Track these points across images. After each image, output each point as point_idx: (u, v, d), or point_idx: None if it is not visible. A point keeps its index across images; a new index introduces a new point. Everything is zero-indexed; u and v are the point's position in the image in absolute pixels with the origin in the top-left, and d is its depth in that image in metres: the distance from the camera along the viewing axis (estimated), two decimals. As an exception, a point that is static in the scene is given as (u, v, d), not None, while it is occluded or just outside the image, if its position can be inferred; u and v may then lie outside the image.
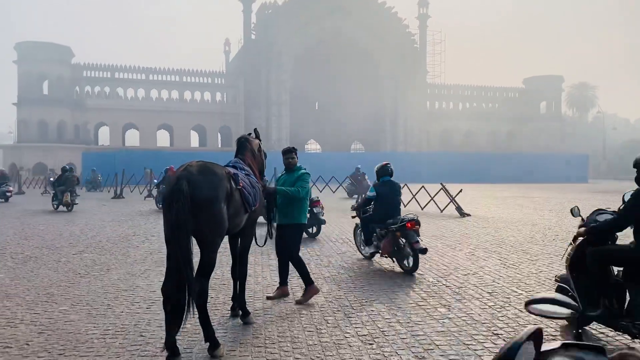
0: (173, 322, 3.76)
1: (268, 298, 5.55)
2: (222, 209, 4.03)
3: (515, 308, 5.16)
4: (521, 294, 5.74)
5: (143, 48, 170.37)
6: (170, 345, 3.74)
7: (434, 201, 16.37)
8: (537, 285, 6.14)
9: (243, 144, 5.07)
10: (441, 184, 16.66)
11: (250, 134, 5.39)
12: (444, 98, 61.16)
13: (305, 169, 5.65)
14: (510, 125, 61.38)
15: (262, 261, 7.79)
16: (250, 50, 51.90)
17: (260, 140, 5.35)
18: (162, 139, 55.60)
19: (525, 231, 11.20)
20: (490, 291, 5.87)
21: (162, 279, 6.64)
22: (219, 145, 54.50)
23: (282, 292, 5.64)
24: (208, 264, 4.03)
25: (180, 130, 51.62)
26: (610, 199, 21.97)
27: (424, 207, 16.44)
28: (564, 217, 14.10)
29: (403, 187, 8.63)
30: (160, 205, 16.27)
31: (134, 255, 8.36)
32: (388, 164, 7.77)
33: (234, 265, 4.97)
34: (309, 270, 5.72)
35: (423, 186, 17.70)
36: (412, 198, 17.01)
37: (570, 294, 4.14)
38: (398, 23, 55.48)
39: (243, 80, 51.68)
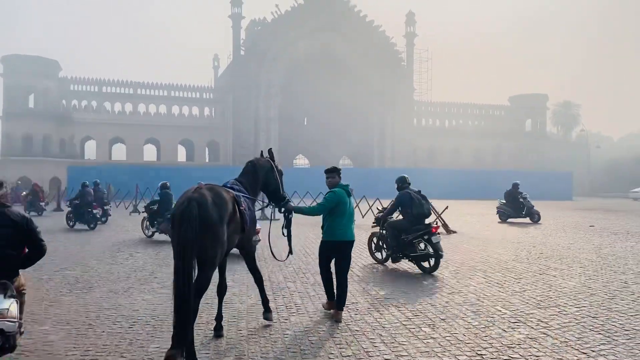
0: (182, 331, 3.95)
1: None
2: (225, 232, 4.35)
3: (500, 328, 5.17)
4: (505, 313, 5.77)
5: (131, 63, 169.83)
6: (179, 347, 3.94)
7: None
8: (521, 304, 6.17)
9: (246, 167, 5.48)
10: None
11: (262, 153, 5.82)
12: (431, 115, 61.70)
13: (337, 190, 5.73)
14: (496, 142, 62.02)
15: (248, 281, 7.74)
16: (239, 65, 52.07)
17: (273, 160, 5.64)
18: (149, 153, 55.30)
19: (510, 249, 11.27)
20: (475, 310, 5.89)
21: (145, 297, 6.60)
22: (207, 160, 54.31)
23: (329, 306, 5.84)
24: (204, 283, 4.24)
25: (167, 145, 51.41)
26: (593, 215, 22.24)
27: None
28: (549, 235, 14.23)
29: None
30: (71, 223, 15.80)
31: (118, 272, 8.27)
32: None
33: (220, 283, 5.01)
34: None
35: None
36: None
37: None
38: (386, 41, 56.10)
39: (232, 95, 51.75)
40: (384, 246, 8.99)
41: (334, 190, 5.72)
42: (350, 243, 5.82)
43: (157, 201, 13.30)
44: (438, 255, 8.06)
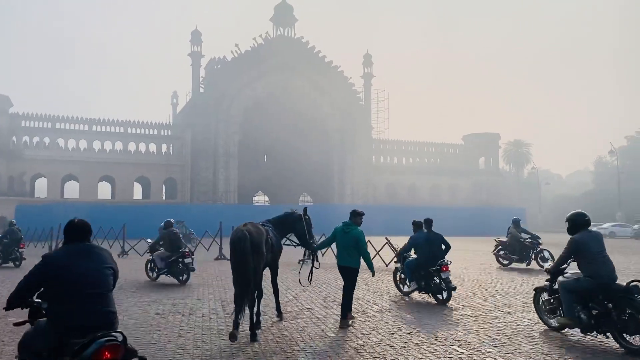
0: (238, 312, 6.19)
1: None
2: (265, 250, 6.71)
3: (456, 368, 5.19)
4: (462, 352, 5.80)
5: (88, 99, 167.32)
6: (236, 326, 6.20)
7: (380, 256, 16.46)
8: (477, 343, 6.23)
9: (280, 216, 7.76)
10: (386, 238, 16.85)
11: (303, 212, 7.84)
12: (389, 153, 62.94)
13: (337, 226, 7.65)
14: (452, 179, 63.63)
15: (204, 325, 7.52)
16: (199, 102, 52.02)
17: (305, 215, 7.76)
18: (104, 191, 53.83)
19: (466, 286, 11.43)
20: (432, 350, 5.90)
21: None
22: (163, 198, 53.24)
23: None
24: (252, 284, 6.51)
25: (122, 182, 50.19)
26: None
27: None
28: (504, 271, 14.53)
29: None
30: None
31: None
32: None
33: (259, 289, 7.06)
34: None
35: (369, 240, 17.77)
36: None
37: None
38: (344, 81, 57.42)
39: (190, 132, 51.41)
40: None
41: (335, 227, 7.62)
42: (347, 269, 7.35)
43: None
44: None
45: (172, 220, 12.78)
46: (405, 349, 5.98)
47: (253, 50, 53.72)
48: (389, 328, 7.14)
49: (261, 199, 66.06)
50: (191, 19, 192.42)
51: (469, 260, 18.20)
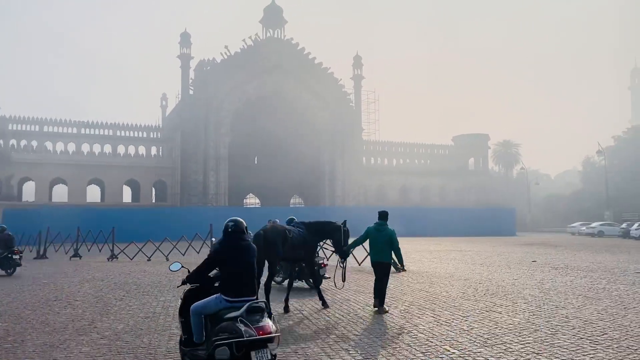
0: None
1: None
2: (279, 247, 8.07)
3: (448, 368, 5.19)
4: (454, 352, 5.81)
5: (76, 101, 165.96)
6: None
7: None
8: (468, 343, 6.24)
9: (321, 222, 8.99)
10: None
11: (343, 224, 8.90)
12: (379, 154, 62.99)
13: (369, 227, 8.75)
14: (441, 180, 63.80)
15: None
16: (188, 105, 51.74)
17: (344, 226, 8.83)
18: (93, 194, 53.37)
19: (457, 286, 11.46)
20: (424, 351, 5.90)
21: (83, 349, 6.26)
22: (153, 201, 52.90)
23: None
24: (272, 273, 8.28)
25: (112, 185, 49.82)
26: (535, 250, 23.07)
27: (362, 262, 16.50)
28: (494, 271, 14.60)
29: None
30: None
31: (54, 322, 7.78)
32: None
33: (269, 280, 8.31)
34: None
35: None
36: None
37: None
38: (334, 83, 57.36)
39: (180, 134, 51.11)
40: None
41: (368, 227, 8.69)
42: (381, 264, 8.47)
43: None
44: None
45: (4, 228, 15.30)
46: (397, 349, 5.97)
47: (243, 52, 53.57)
48: (380, 329, 7.14)
49: (252, 201, 65.86)
50: (180, 21, 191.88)
51: (459, 260, 18.25)
